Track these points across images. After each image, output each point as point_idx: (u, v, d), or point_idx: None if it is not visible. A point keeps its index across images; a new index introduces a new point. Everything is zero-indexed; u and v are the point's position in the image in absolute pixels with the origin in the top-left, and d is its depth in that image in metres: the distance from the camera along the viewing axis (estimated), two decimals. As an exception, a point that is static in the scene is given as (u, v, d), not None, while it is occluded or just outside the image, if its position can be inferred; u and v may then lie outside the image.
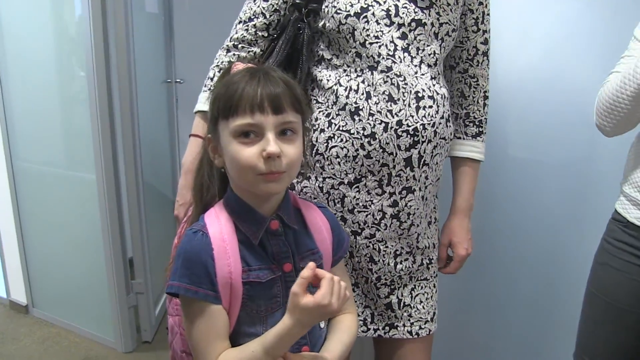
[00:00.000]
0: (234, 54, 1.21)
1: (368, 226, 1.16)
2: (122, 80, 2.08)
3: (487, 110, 1.31)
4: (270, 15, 1.19)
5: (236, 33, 1.21)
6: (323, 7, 1.15)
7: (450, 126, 1.19)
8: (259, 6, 1.19)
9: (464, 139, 1.30)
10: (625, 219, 1.17)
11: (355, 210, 1.15)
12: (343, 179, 1.14)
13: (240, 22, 1.21)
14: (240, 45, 1.21)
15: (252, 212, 0.90)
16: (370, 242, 1.18)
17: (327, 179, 1.15)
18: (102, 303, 2.35)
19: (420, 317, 1.25)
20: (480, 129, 1.30)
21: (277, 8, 1.19)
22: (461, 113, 1.30)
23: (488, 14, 1.26)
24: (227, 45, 1.22)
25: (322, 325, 0.99)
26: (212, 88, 1.03)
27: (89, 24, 1.97)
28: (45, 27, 2.24)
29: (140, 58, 2.13)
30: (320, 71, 1.18)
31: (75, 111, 2.26)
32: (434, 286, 1.29)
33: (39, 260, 2.59)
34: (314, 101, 1.18)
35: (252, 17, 1.20)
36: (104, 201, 2.18)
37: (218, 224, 0.90)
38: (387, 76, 1.10)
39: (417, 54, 1.12)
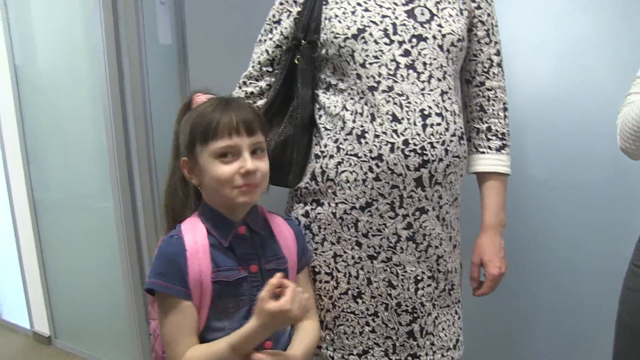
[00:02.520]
0: (243, 90, 1.28)
1: (384, 250, 1.15)
2: (137, 111, 2.11)
3: (508, 122, 1.28)
4: (272, 52, 1.25)
5: (247, 71, 1.28)
6: (322, 35, 1.17)
7: (464, 143, 1.18)
8: (264, 44, 1.26)
9: (487, 153, 1.26)
10: None
11: (370, 234, 1.15)
12: (355, 203, 1.13)
13: (251, 61, 1.28)
14: (248, 82, 1.28)
15: (223, 219, 1.03)
16: (387, 265, 1.16)
17: (339, 204, 1.15)
18: (123, 332, 2.35)
19: (443, 345, 1.22)
20: (504, 142, 1.27)
21: (279, 44, 1.24)
22: (482, 127, 1.27)
23: (497, 26, 1.25)
24: (239, 83, 1.29)
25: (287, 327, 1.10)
26: (178, 120, 1.11)
27: (104, 59, 2.01)
28: (61, 64, 2.29)
29: (155, 90, 2.16)
30: (328, 97, 1.19)
31: (92, 142, 2.29)
32: (456, 312, 1.25)
33: (61, 291, 2.61)
34: (323, 128, 1.19)
35: (258, 55, 1.26)
36: (121, 230, 2.19)
37: (192, 230, 1.02)
38: (389, 96, 1.10)
39: (425, 68, 1.11)
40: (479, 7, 1.22)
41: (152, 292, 1.00)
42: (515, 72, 1.42)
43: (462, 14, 1.18)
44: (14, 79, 2.46)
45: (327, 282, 1.21)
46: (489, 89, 1.26)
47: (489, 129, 1.27)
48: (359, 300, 1.20)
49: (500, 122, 1.27)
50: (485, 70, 1.25)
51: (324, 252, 1.20)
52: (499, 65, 1.26)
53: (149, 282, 0.98)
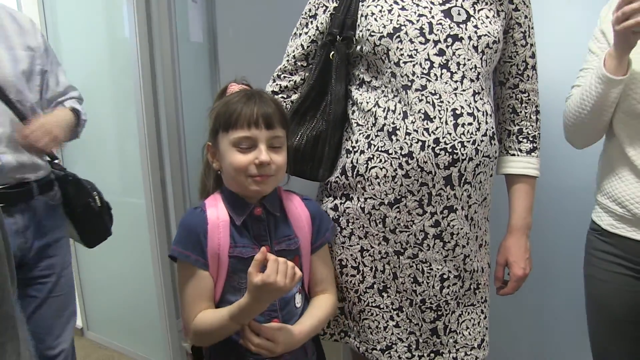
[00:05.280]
0: (277, 84, 1.29)
1: (410, 246, 1.15)
2: (169, 109, 2.15)
3: (539, 125, 1.27)
4: (307, 46, 1.25)
5: (281, 64, 1.29)
6: (357, 32, 1.17)
7: (495, 144, 1.16)
8: (299, 38, 1.26)
9: (518, 155, 1.26)
10: (599, 227, 1.20)
11: (397, 230, 1.15)
12: (383, 199, 1.14)
13: (285, 54, 1.29)
14: (282, 75, 1.29)
15: (240, 199, 1.09)
16: (413, 262, 1.16)
17: (368, 200, 1.15)
18: (154, 326, 2.40)
19: (466, 344, 1.21)
20: (535, 145, 1.26)
21: (315, 39, 1.24)
22: (514, 129, 1.26)
23: (532, 28, 1.24)
24: (273, 76, 1.30)
25: (299, 304, 1.13)
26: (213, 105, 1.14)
27: (137, 56, 2.05)
28: (96, 61, 2.35)
29: (187, 87, 2.19)
30: (361, 94, 1.19)
31: (126, 140, 2.34)
32: (482, 312, 1.24)
33: (93, 285, 2.67)
34: (355, 124, 1.19)
35: (293, 49, 1.27)
36: (153, 226, 2.23)
37: (215, 206, 1.09)
38: (422, 94, 1.09)
39: (458, 69, 1.10)
40: (516, 9, 1.20)
41: (174, 259, 1.08)
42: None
43: (498, 15, 1.16)
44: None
45: (353, 275, 1.22)
46: (522, 92, 1.24)
47: (520, 131, 1.26)
48: (384, 294, 1.20)
49: (532, 125, 1.25)
50: (519, 72, 1.24)
51: (351, 246, 1.20)
52: (534, 67, 1.24)
53: (172, 249, 1.07)
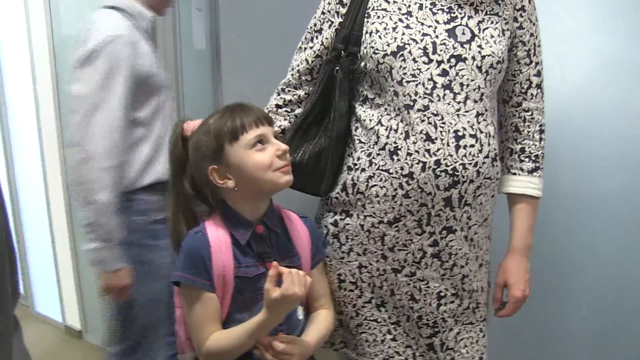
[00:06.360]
0: (281, 97, 1.29)
1: (408, 264, 1.16)
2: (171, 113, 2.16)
3: (543, 145, 1.25)
4: (312, 61, 1.25)
5: (286, 78, 1.29)
6: (362, 48, 1.17)
7: (497, 165, 1.16)
8: (304, 52, 1.26)
9: (519, 174, 1.25)
10: None
11: (395, 248, 1.15)
12: (383, 217, 1.14)
13: (290, 68, 1.29)
14: (287, 89, 1.29)
15: (242, 218, 1.09)
16: (410, 280, 1.17)
17: (367, 217, 1.16)
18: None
19: None
20: (537, 164, 1.25)
21: (319, 54, 1.24)
22: (516, 148, 1.25)
23: (539, 46, 1.23)
24: (277, 89, 1.30)
25: (301, 316, 1.16)
26: (172, 149, 1.15)
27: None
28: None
29: (189, 94, 2.20)
30: (364, 111, 1.19)
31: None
32: (481, 331, 1.24)
33: (93, 287, 2.66)
34: (357, 140, 1.20)
35: (298, 63, 1.27)
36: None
37: (215, 228, 1.09)
38: (424, 115, 1.09)
39: (462, 89, 1.10)
40: (521, 27, 1.20)
41: (178, 284, 1.09)
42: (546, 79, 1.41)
43: (504, 34, 1.16)
44: (54, 81, 2.53)
45: (351, 290, 1.22)
46: (525, 110, 1.24)
47: (522, 150, 1.25)
48: (382, 309, 1.21)
49: (534, 144, 1.25)
50: (523, 91, 1.23)
51: (349, 261, 1.21)
52: (539, 86, 1.24)
53: (176, 276, 1.06)
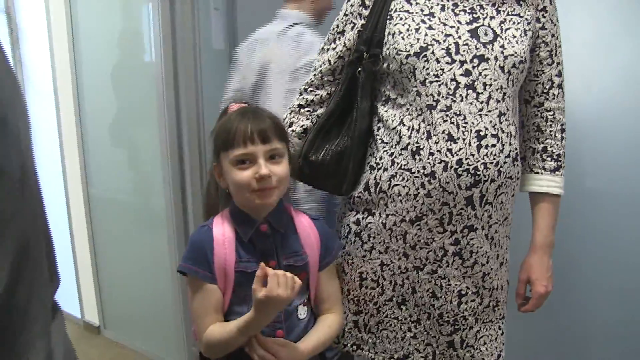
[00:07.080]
0: (303, 97, 1.31)
1: (430, 262, 1.17)
2: (190, 111, 2.19)
3: (564, 144, 1.27)
4: (334, 62, 1.27)
5: (308, 78, 1.31)
6: (384, 49, 1.18)
7: (518, 165, 1.17)
8: (326, 53, 1.28)
9: (542, 173, 1.27)
10: None
11: (417, 246, 1.17)
12: (405, 216, 1.16)
13: (313, 69, 1.31)
14: (309, 89, 1.31)
15: (246, 217, 1.13)
16: (432, 277, 1.18)
17: (389, 216, 1.18)
18: (170, 327, 2.43)
19: (483, 358, 1.23)
20: (559, 163, 1.26)
21: (342, 55, 1.26)
22: (538, 147, 1.27)
23: (560, 46, 1.25)
24: (300, 89, 1.32)
25: (302, 316, 1.17)
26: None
27: (161, 61, 2.09)
28: (121, 66, 2.39)
29: (207, 92, 2.23)
30: (386, 111, 1.21)
31: (148, 143, 2.38)
32: (499, 328, 1.26)
33: (111, 284, 2.71)
34: (380, 140, 1.21)
35: (320, 64, 1.29)
36: (172, 226, 2.28)
37: (221, 224, 1.13)
38: (447, 115, 1.10)
39: (485, 89, 1.11)
40: (543, 28, 1.21)
41: (184, 274, 1.12)
42: (573, 82, 1.41)
43: (526, 34, 1.17)
44: (74, 80, 2.57)
45: (373, 288, 1.24)
46: (547, 110, 1.26)
47: (544, 149, 1.27)
48: (403, 307, 1.23)
49: (556, 144, 1.26)
50: (545, 91, 1.25)
51: (371, 259, 1.23)
52: (560, 86, 1.25)
53: (180, 266, 1.11)
